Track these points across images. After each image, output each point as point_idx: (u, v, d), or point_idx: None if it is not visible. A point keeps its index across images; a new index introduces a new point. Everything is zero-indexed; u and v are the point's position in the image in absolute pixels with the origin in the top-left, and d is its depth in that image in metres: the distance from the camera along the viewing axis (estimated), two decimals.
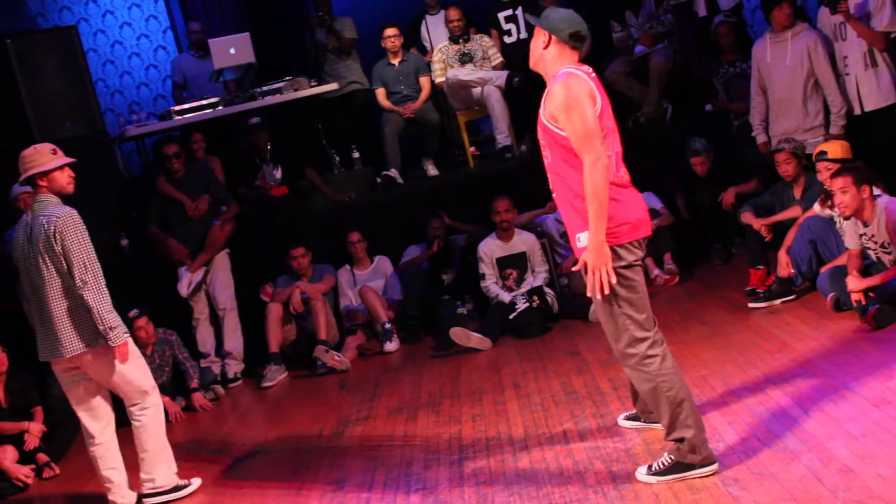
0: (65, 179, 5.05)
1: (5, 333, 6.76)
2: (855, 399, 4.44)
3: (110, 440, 5.26)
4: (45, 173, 4.97)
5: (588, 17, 4.12)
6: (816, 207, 6.42)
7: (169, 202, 7.72)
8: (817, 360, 5.11)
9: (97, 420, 5.23)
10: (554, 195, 4.17)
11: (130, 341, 5.09)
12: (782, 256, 6.45)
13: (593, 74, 4.06)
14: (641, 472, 4.14)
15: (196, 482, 5.39)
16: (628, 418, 4.79)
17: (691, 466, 4.00)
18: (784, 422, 4.37)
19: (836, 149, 6.26)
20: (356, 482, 4.91)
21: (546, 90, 4.03)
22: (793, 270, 6.38)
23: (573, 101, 3.89)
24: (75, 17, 10.23)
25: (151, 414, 5.24)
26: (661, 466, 4.07)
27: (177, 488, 5.30)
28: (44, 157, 4.99)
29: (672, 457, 4.05)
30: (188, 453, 6.15)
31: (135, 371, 5.15)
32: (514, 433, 5.09)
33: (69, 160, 5.07)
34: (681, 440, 4.01)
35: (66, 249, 4.88)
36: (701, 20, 8.70)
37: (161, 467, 5.28)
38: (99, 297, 4.90)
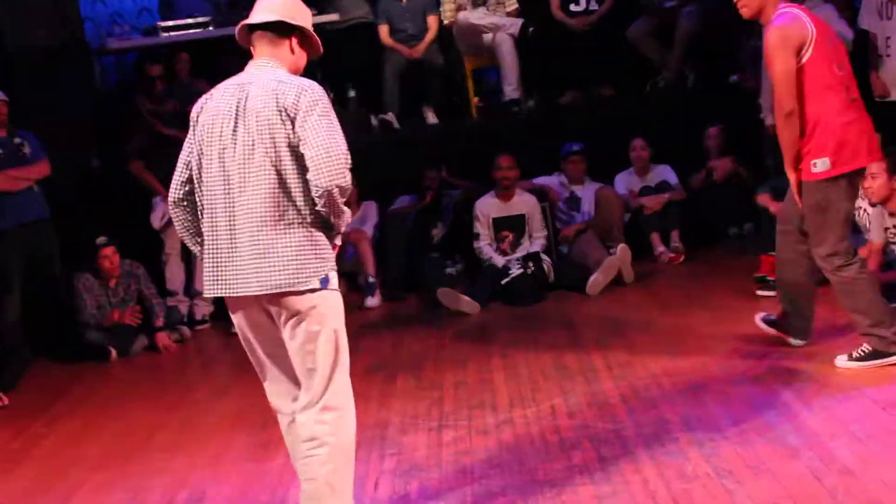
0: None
1: None
2: (862, 400, 4.49)
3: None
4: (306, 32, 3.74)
5: None
6: None
7: (151, 132, 7.66)
8: (824, 357, 5.12)
9: None
10: None
11: None
12: None
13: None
14: (842, 360, 4.92)
15: None
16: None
17: (885, 354, 4.81)
18: (786, 416, 4.41)
19: None
20: None
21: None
22: None
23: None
24: None
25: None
26: (861, 354, 4.86)
27: None
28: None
29: (869, 347, 4.84)
30: (146, 398, 6.17)
31: None
32: (498, 404, 5.12)
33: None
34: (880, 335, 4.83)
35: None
36: None
37: None
38: None
